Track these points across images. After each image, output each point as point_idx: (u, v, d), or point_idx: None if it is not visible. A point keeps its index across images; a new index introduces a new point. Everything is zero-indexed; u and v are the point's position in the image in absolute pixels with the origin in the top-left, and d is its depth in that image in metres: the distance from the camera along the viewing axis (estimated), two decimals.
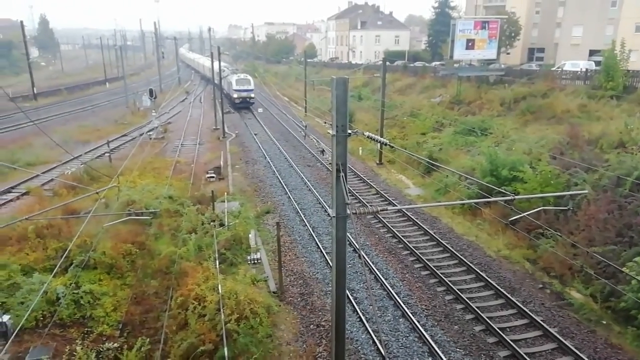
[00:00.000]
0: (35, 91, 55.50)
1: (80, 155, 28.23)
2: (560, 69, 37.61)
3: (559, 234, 16.63)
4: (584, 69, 32.48)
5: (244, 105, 53.09)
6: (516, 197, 8.73)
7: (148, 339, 12.26)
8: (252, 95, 53.99)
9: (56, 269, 12.05)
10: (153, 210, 17.61)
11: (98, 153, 31.19)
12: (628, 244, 15.12)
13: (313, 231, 20.07)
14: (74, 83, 71.90)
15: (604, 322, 13.64)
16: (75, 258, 14.89)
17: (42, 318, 13.09)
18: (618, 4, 49.93)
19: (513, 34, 60.15)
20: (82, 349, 11.61)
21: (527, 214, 10.52)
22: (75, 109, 50.38)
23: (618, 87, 26.58)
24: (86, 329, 13.21)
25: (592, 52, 48.66)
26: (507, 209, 17.90)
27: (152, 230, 18.65)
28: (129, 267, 16.13)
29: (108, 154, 29.76)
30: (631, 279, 12.83)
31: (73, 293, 13.72)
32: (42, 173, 25.80)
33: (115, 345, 12.29)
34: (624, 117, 22.86)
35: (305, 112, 52.07)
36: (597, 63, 35.79)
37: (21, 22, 58.10)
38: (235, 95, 52.51)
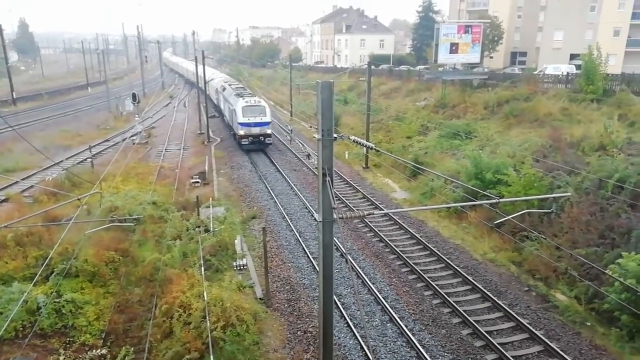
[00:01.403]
0: (14, 96, 54.35)
1: (62, 161, 27.70)
2: (542, 73, 38.20)
3: (543, 236, 16.81)
4: (565, 73, 33.04)
5: (255, 147, 34.46)
6: (501, 200, 8.79)
7: (132, 348, 12.04)
8: (269, 131, 34.43)
9: (36, 277, 11.79)
10: (136, 217, 17.36)
11: (80, 159, 30.64)
12: (610, 246, 15.34)
13: (300, 236, 19.96)
14: (54, 87, 70.64)
15: (589, 324, 13.78)
16: (57, 266, 14.58)
17: (22, 328, 12.79)
18: (597, 9, 51.03)
19: (496, 38, 61.04)
20: (64, 359, 11.33)
21: (511, 217, 10.61)
22: (56, 114, 49.48)
23: (598, 91, 27.06)
24: (68, 339, 12.91)
25: (573, 56, 49.59)
26: (492, 212, 18.08)
27: (136, 237, 18.35)
28: (112, 275, 15.85)
29: (90, 160, 29.25)
30: (614, 280, 12.98)
31: (54, 302, 13.44)
32: (22, 179, 25.28)
33: (101, 352, 11.99)
34: (603, 120, 23.26)
35: (291, 116, 51.97)
36: (578, 67, 36.47)
37: None
38: (241, 132, 33.67)
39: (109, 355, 12.03)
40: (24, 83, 73.18)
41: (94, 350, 11.88)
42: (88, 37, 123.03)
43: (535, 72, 41.46)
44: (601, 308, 13.71)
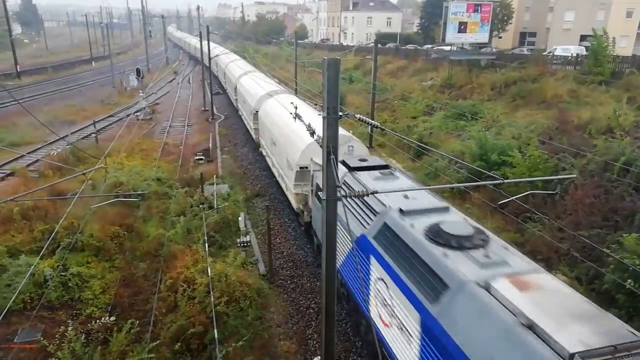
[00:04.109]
0: (18, 69, 54.21)
1: (67, 136, 27.74)
2: (551, 54, 37.63)
3: (547, 217, 16.82)
4: (574, 54, 32.55)
5: None
6: (505, 181, 8.76)
7: (137, 321, 12.23)
8: None
9: (43, 251, 11.90)
10: (141, 192, 17.45)
11: (84, 133, 30.70)
12: (613, 228, 15.35)
13: None
14: (58, 61, 70.29)
15: None
16: (63, 240, 14.71)
17: (29, 300, 12.98)
18: None
19: (505, 18, 59.96)
20: (72, 329, 11.55)
21: (515, 198, 10.61)
22: (60, 88, 49.35)
23: (605, 73, 26.67)
24: (75, 311, 13.13)
25: (583, 37, 48.72)
26: (495, 193, 18.04)
27: (141, 213, 18.48)
28: (117, 250, 16.01)
29: (94, 135, 29.28)
30: (612, 259, 13.04)
31: (61, 275, 13.60)
32: (27, 153, 25.37)
33: (111, 318, 12.13)
34: (612, 103, 23.01)
35: (296, 93, 51.54)
36: (588, 48, 35.93)
37: None
38: None
39: (115, 327, 12.21)
40: (28, 56, 72.75)
41: (102, 319, 12.06)
42: (92, 10, 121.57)
43: (544, 53, 40.86)
44: (601, 289, 13.80)
